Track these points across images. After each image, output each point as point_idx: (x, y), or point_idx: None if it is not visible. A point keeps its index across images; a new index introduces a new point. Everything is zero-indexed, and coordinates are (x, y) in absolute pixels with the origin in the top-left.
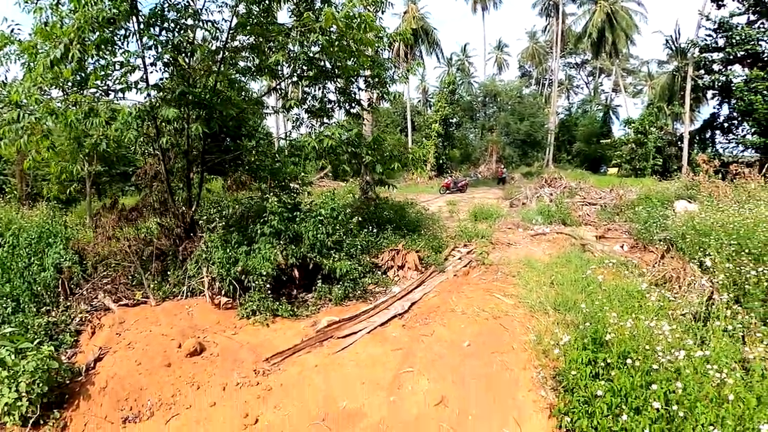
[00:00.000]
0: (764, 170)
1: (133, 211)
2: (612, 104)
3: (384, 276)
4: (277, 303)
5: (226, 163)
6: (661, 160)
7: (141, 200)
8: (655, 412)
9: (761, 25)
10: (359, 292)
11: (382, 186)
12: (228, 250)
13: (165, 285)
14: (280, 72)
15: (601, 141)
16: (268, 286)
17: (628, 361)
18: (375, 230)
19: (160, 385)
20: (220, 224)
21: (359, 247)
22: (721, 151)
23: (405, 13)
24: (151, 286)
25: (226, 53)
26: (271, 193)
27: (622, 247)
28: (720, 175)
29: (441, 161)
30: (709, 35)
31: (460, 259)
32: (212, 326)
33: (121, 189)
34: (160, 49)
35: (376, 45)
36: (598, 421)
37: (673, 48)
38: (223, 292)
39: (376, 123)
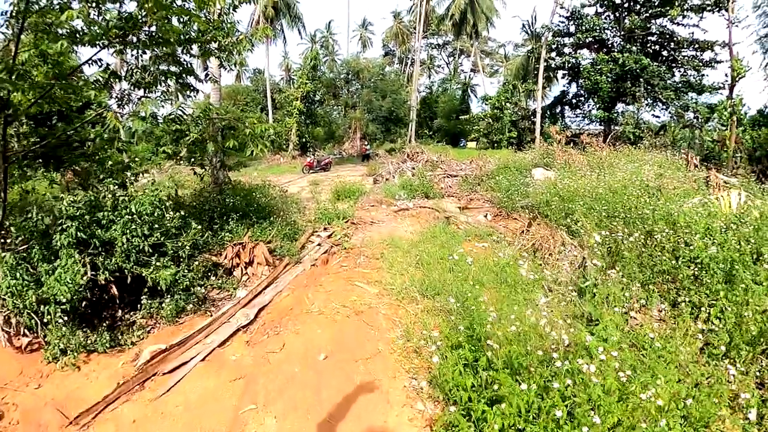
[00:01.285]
0: (608, 139)
1: None
2: (471, 83)
3: (229, 277)
4: (93, 334)
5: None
6: (516, 132)
7: None
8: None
9: (607, 17)
10: (196, 302)
11: (224, 169)
12: (19, 274)
13: None
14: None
15: (460, 117)
16: (68, 317)
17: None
18: (217, 222)
19: None
20: (18, 237)
21: (189, 246)
22: (569, 124)
23: None
24: None
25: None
26: (91, 188)
27: (486, 216)
28: (571, 145)
29: (304, 140)
30: (562, 22)
31: (318, 245)
32: (13, 379)
33: None
34: None
35: (215, 4)
36: None
37: (530, 32)
38: (23, 330)
39: (235, 101)
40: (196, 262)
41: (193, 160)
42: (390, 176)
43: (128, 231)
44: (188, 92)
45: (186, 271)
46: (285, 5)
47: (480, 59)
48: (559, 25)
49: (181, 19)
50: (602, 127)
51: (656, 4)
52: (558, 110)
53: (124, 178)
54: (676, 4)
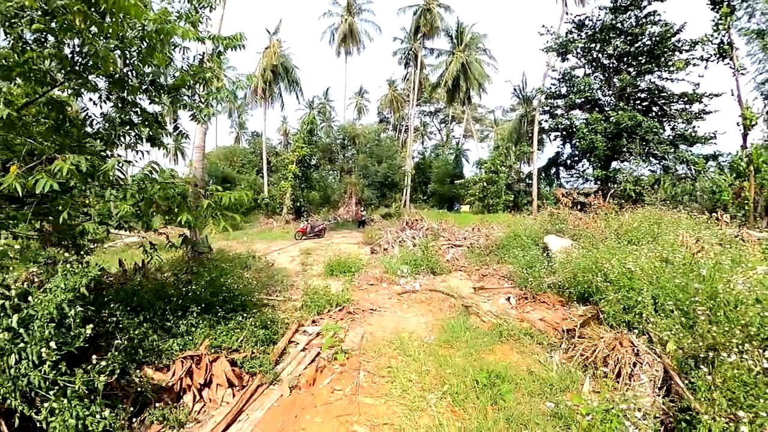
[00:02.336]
0: (607, 198)
1: None
2: (462, 148)
3: (175, 405)
4: None
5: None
6: (512, 196)
7: None
8: None
9: (596, 77)
10: None
11: (188, 244)
12: None
13: None
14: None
15: (454, 181)
16: None
17: None
18: (170, 319)
19: None
20: None
21: (109, 372)
22: (564, 184)
23: (267, 48)
24: None
25: None
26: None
27: (508, 299)
28: (578, 207)
29: (299, 204)
30: (554, 84)
31: (304, 350)
32: None
33: None
34: None
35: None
36: None
37: (521, 96)
38: None
39: (231, 162)
40: (123, 390)
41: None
42: (389, 246)
43: (14, 349)
44: (159, 148)
45: (100, 409)
46: (283, 69)
47: (470, 125)
48: (551, 88)
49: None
50: (598, 186)
51: (643, 62)
52: (553, 171)
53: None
54: (677, 58)
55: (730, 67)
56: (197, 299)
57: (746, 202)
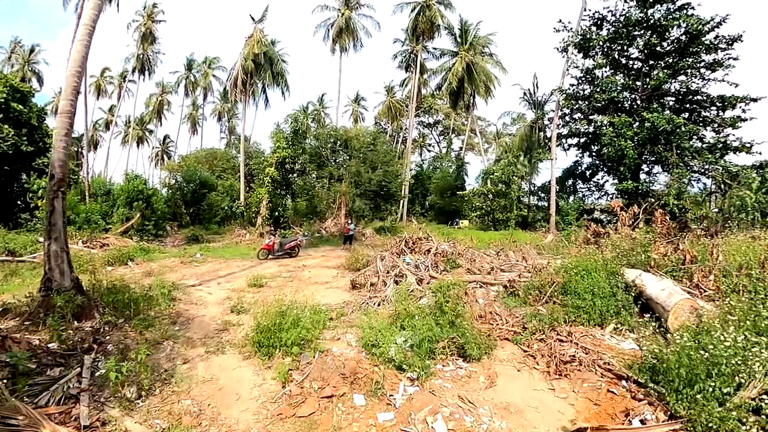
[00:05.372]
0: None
1: None
2: (464, 160)
3: None
4: None
5: None
6: (526, 210)
7: None
8: None
9: (620, 78)
10: None
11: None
12: None
13: None
14: None
15: (457, 193)
16: None
17: None
18: None
19: None
20: None
21: None
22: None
23: (249, 37)
24: None
25: None
26: None
27: None
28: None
29: (277, 213)
30: (573, 84)
31: None
32: None
33: None
34: None
35: None
36: None
37: (531, 100)
38: None
39: (211, 166)
40: None
41: None
42: (379, 280)
43: None
44: None
45: None
46: (267, 59)
47: (477, 133)
48: (570, 88)
49: None
50: (624, 201)
51: (674, 60)
52: (570, 183)
53: None
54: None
55: None
56: None
57: None
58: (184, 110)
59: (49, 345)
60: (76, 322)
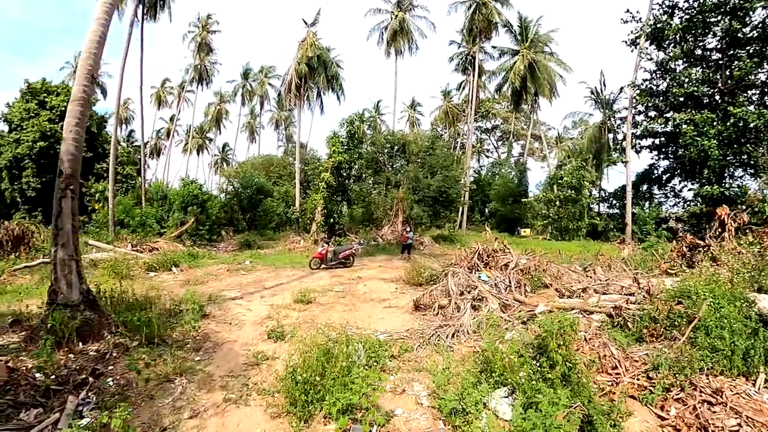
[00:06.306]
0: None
1: None
2: (526, 165)
3: None
4: None
5: None
6: (598, 218)
7: None
8: None
9: (697, 71)
10: None
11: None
12: None
13: None
14: None
15: (522, 200)
16: None
17: None
18: None
19: None
20: None
21: None
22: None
23: (302, 41)
24: None
25: None
26: None
27: None
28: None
29: (333, 220)
30: (646, 79)
31: None
32: None
33: None
34: None
35: None
36: None
37: (599, 99)
38: None
39: (267, 172)
40: None
41: None
42: (451, 304)
43: None
44: None
45: None
46: (321, 62)
47: (541, 134)
48: (643, 83)
49: None
50: (704, 209)
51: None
52: (644, 188)
53: None
54: None
55: None
56: None
57: None
58: (241, 119)
59: (37, 375)
60: (81, 344)
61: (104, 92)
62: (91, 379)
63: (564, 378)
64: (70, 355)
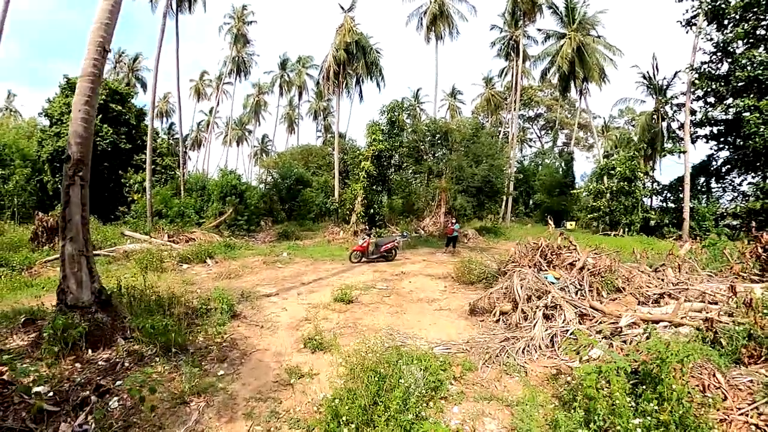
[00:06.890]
0: None
1: None
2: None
3: None
4: None
5: None
6: (652, 212)
7: None
8: None
9: (760, 53)
10: None
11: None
12: None
13: None
14: None
15: (570, 192)
16: None
17: None
18: None
19: None
20: None
21: None
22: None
23: (340, 27)
24: None
25: None
26: None
27: None
28: None
29: (373, 211)
30: (705, 62)
31: None
32: None
33: None
34: None
35: None
36: None
37: (651, 85)
38: None
39: (306, 162)
40: None
41: None
42: (517, 311)
43: None
44: None
45: None
46: (359, 48)
47: (574, 131)
48: (701, 67)
49: None
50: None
51: None
52: (701, 181)
53: None
54: None
55: None
56: None
57: None
58: (280, 110)
59: (37, 389)
60: (90, 350)
61: (144, 86)
62: (93, 398)
63: (680, 425)
64: (76, 365)
